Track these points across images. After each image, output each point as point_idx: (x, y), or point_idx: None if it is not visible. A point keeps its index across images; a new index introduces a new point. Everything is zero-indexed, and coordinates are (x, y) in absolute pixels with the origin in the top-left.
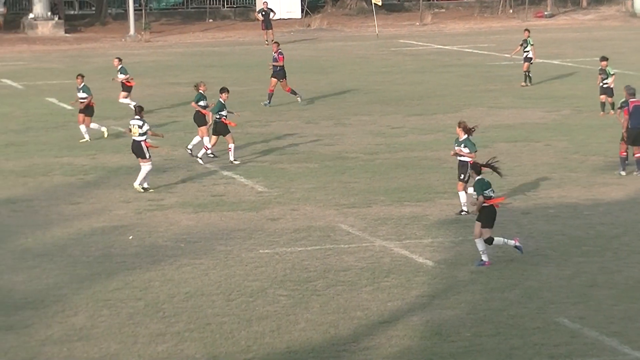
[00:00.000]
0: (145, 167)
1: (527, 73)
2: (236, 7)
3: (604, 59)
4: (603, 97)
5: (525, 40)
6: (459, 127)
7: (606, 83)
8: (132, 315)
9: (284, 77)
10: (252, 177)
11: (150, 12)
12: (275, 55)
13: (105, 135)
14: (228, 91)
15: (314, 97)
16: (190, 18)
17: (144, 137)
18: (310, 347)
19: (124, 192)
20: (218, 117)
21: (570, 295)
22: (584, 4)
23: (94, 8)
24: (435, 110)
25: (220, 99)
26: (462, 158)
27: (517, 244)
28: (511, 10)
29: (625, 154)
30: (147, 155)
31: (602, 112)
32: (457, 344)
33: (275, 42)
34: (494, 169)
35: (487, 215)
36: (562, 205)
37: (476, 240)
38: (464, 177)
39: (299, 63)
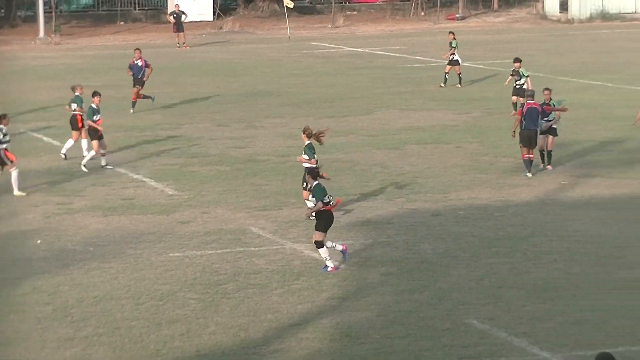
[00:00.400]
0: (14, 172)
1: (447, 75)
2: (147, 9)
3: (517, 60)
4: (515, 97)
5: (450, 43)
6: (304, 133)
7: (519, 84)
8: (40, 320)
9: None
10: (163, 180)
11: (60, 14)
12: (139, 62)
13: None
14: (100, 95)
15: (225, 99)
16: (101, 20)
17: (4, 146)
18: (220, 351)
19: (32, 197)
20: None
21: (480, 297)
22: (495, 6)
23: (2, 10)
24: (347, 112)
25: (92, 104)
26: (305, 164)
27: (344, 249)
28: (423, 13)
29: (527, 156)
30: (8, 162)
31: (514, 112)
32: (367, 346)
33: (137, 49)
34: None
35: (325, 220)
36: (472, 206)
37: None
38: (306, 185)
39: (211, 65)
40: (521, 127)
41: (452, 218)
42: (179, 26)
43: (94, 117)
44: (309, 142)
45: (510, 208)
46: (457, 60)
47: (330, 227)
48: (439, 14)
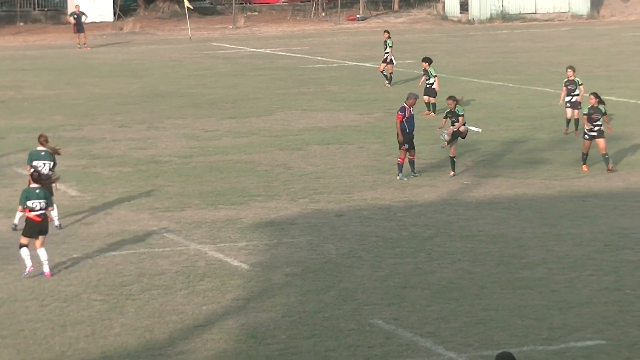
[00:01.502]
0: None
1: (384, 73)
2: (47, 10)
3: (426, 60)
4: (427, 97)
5: (385, 42)
6: None
7: (429, 84)
8: None
9: None
10: (65, 182)
11: None
12: None
13: None
14: None
15: (127, 100)
16: (0, 22)
17: None
18: (125, 352)
19: None
20: None
21: (385, 297)
22: (396, 7)
23: None
24: (249, 113)
25: None
26: None
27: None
28: (324, 14)
29: (403, 160)
30: None
31: (426, 112)
32: (273, 346)
33: None
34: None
35: (28, 225)
36: (376, 207)
37: (23, 250)
38: None
39: (112, 66)
40: (404, 131)
41: (356, 218)
42: (79, 27)
43: None
44: None
45: (414, 208)
46: (392, 59)
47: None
48: (339, 15)
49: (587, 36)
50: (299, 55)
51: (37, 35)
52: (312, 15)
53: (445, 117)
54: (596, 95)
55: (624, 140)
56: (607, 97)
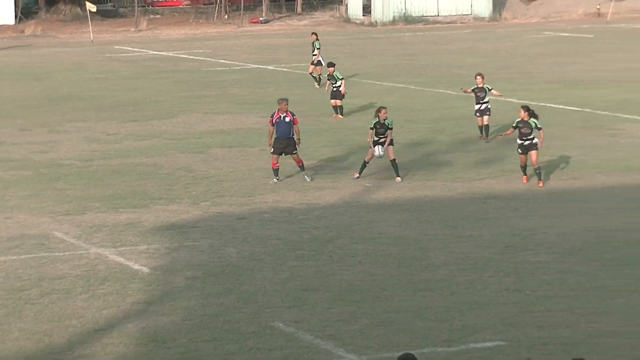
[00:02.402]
0: None
1: (312, 75)
2: None
3: (331, 64)
4: (334, 101)
5: (313, 44)
6: None
7: (335, 87)
8: None
9: None
10: None
11: None
12: None
13: None
14: None
15: (27, 104)
16: None
17: None
18: (24, 357)
19: None
20: None
21: (285, 299)
22: (299, 9)
23: None
24: (151, 116)
25: None
26: None
27: None
28: (226, 16)
29: (275, 164)
30: None
31: (335, 115)
32: (173, 350)
33: None
34: None
35: None
36: (277, 209)
37: None
38: None
39: (13, 70)
40: (275, 136)
41: (257, 221)
42: None
43: None
44: None
45: (315, 211)
46: (320, 61)
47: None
48: (242, 18)
49: (489, 38)
50: (201, 58)
51: None
52: (214, 18)
53: (372, 128)
54: (527, 108)
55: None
56: (508, 99)
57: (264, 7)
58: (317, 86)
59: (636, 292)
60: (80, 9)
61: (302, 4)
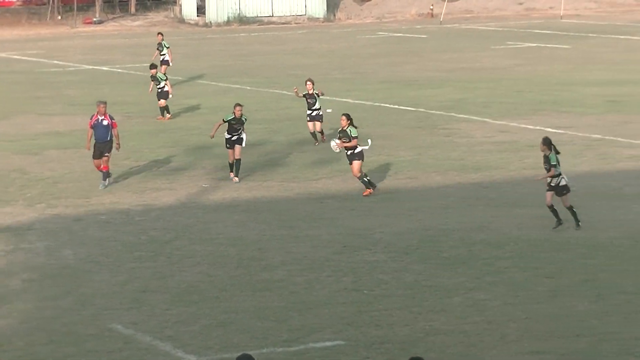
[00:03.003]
0: None
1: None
2: None
3: (153, 66)
4: (163, 101)
5: (160, 44)
6: None
7: (160, 88)
8: None
9: None
10: None
11: None
12: None
13: None
14: None
15: None
16: None
17: None
18: None
19: None
20: None
21: (124, 301)
22: (133, 10)
23: None
24: None
25: None
26: None
27: None
28: (60, 17)
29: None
30: None
31: (160, 117)
32: (10, 353)
33: None
34: None
35: None
36: (114, 211)
37: None
38: None
39: None
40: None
41: (94, 223)
42: None
43: None
44: None
45: (153, 212)
46: (168, 60)
47: None
48: (75, 18)
49: (324, 39)
50: (34, 59)
51: None
52: (48, 19)
53: (226, 121)
54: (348, 116)
55: (361, 141)
56: (343, 99)
57: (97, 7)
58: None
59: (472, 290)
60: None
61: (136, 5)
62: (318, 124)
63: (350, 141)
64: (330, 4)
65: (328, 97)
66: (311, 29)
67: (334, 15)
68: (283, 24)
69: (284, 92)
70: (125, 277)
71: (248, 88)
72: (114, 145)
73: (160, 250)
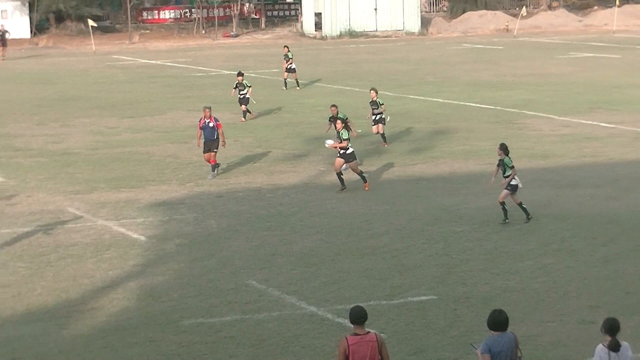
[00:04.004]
0: None
1: (287, 80)
2: None
3: (240, 74)
4: (243, 107)
5: (285, 55)
6: None
7: (243, 94)
8: None
9: None
10: None
11: None
12: None
13: None
14: None
15: (43, 103)
16: None
17: None
18: (46, 309)
19: None
20: None
21: (257, 262)
22: (263, 25)
23: None
24: (144, 113)
25: None
26: None
27: None
28: (204, 31)
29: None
30: None
31: (242, 119)
32: (167, 303)
33: None
34: None
35: None
36: (249, 189)
37: None
38: None
39: (30, 76)
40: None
41: (233, 199)
42: (3, 42)
43: None
44: None
45: (280, 190)
46: (294, 68)
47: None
48: (216, 32)
49: (418, 49)
50: (184, 66)
51: None
52: (194, 33)
53: (329, 120)
54: (343, 120)
55: (449, 134)
56: (434, 99)
57: (234, 24)
58: (285, 89)
59: (540, 255)
60: (84, 25)
61: (265, 21)
62: (380, 126)
63: (341, 142)
64: (423, 21)
65: (421, 97)
66: (408, 42)
67: (427, 30)
68: (385, 37)
69: (387, 92)
70: (257, 242)
71: (357, 89)
72: (220, 142)
73: (285, 221)
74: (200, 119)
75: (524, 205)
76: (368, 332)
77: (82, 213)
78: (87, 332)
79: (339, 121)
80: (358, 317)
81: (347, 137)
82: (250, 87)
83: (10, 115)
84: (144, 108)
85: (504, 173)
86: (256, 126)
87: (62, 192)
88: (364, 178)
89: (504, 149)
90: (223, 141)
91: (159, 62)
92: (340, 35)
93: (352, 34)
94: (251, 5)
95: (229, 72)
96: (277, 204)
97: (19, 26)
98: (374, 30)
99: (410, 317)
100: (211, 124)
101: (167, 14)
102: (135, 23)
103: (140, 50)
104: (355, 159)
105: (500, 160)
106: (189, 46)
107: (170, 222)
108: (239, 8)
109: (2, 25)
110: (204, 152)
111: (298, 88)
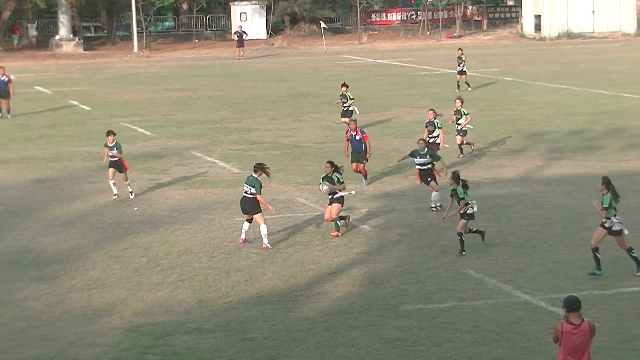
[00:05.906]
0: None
1: (458, 82)
2: (216, 30)
3: (344, 85)
4: (344, 119)
5: (459, 57)
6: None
7: (345, 106)
8: (137, 268)
9: None
10: (229, 162)
11: (149, 34)
12: (5, 77)
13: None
14: (114, 134)
15: (276, 99)
16: (181, 39)
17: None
18: (275, 293)
19: (130, 174)
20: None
21: (475, 252)
22: (484, 27)
23: (106, 31)
24: (370, 109)
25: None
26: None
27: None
28: (428, 32)
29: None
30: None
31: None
32: (387, 289)
33: (1, 67)
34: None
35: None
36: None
37: None
38: None
39: (265, 74)
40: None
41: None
42: (240, 43)
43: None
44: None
45: (498, 183)
46: (465, 71)
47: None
48: (440, 33)
49: (634, 50)
50: (408, 65)
51: (207, 49)
52: (419, 34)
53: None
54: (332, 164)
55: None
56: None
57: (457, 25)
58: (457, 90)
59: None
60: (316, 26)
61: (487, 23)
62: (459, 137)
63: (340, 185)
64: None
65: (636, 95)
66: (623, 42)
67: None
68: (601, 38)
69: (602, 91)
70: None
71: (573, 88)
72: (367, 154)
73: (502, 213)
74: (347, 131)
75: (481, 231)
76: (582, 321)
77: (311, 203)
78: (312, 315)
79: (328, 165)
80: (572, 303)
81: (342, 180)
82: (353, 99)
83: (246, 111)
84: (369, 104)
85: (458, 202)
86: (475, 123)
87: (292, 182)
88: (337, 225)
89: (456, 179)
90: (369, 154)
91: (385, 62)
92: (559, 37)
93: (569, 35)
94: (474, 7)
95: (451, 71)
96: (494, 196)
97: (256, 28)
98: (591, 32)
99: (622, 307)
100: (357, 137)
101: (394, 16)
102: (364, 25)
103: (368, 50)
104: (342, 203)
105: (452, 190)
106: (413, 46)
107: (393, 213)
108: (462, 10)
109: (239, 27)
110: (351, 162)
111: (469, 89)
